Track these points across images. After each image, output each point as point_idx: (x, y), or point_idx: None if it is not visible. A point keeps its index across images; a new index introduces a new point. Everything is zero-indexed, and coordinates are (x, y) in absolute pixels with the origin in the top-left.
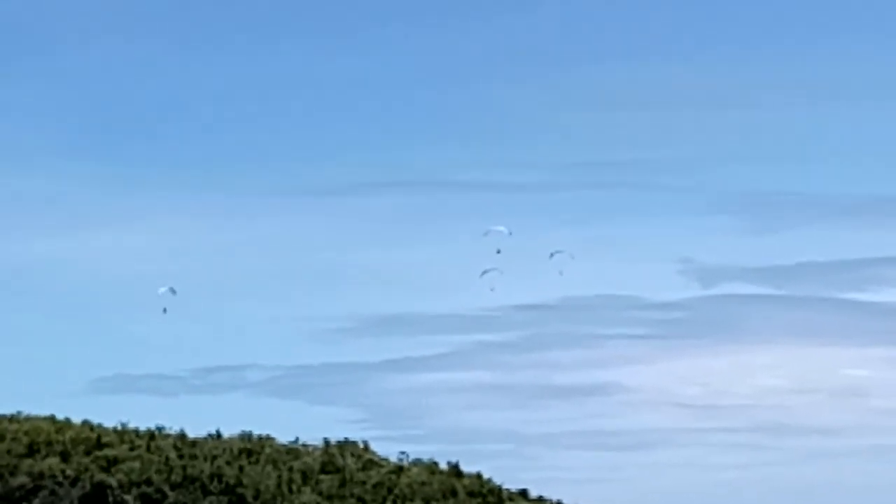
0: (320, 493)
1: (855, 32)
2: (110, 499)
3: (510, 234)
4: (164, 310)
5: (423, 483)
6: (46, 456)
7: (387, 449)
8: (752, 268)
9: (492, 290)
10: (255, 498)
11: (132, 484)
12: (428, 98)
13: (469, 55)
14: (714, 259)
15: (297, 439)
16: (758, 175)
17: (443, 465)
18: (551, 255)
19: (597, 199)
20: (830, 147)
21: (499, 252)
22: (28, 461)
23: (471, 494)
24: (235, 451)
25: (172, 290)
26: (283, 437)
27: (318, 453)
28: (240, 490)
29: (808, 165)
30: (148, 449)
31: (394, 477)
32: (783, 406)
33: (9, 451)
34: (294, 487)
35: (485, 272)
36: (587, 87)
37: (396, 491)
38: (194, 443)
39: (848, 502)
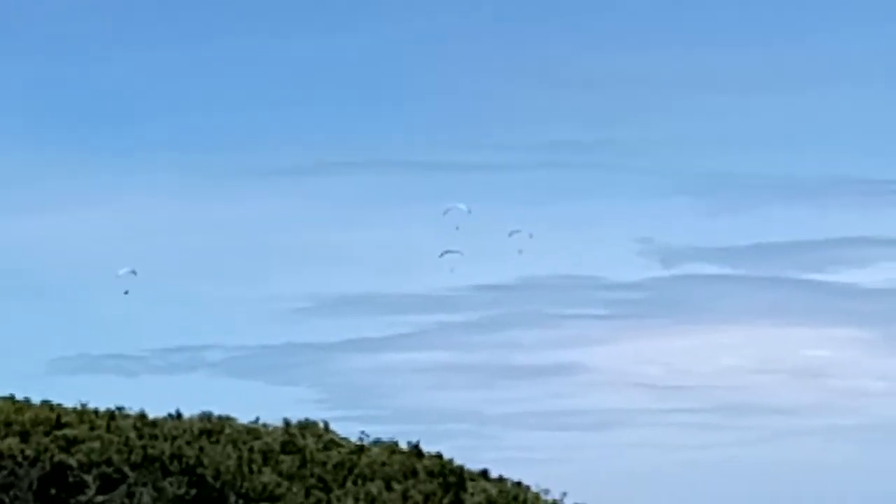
0: (280, 473)
1: (816, 16)
2: (70, 479)
3: (469, 211)
4: (126, 292)
5: (383, 463)
6: (6, 436)
7: (347, 429)
8: (713, 248)
9: (451, 271)
10: (216, 478)
11: (92, 464)
12: (388, 78)
13: (430, 35)
14: (674, 239)
15: (257, 419)
16: (717, 156)
17: (403, 446)
18: (510, 234)
19: (556, 179)
20: (789, 129)
21: (457, 229)
22: None
23: (431, 474)
24: (195, 432)
25: (133, 272)
26: (243, 418)
27: (278, 433)
28: (200, 470)
29: (767, 147)
30: (108, 429)
31: (354, 457)
32: (744, 386)
33: None
34: (254, 467)
35: (444, 253)
36: (547, 67)
37: (357, 471)
38: (154, 423)
39: (808, 482)
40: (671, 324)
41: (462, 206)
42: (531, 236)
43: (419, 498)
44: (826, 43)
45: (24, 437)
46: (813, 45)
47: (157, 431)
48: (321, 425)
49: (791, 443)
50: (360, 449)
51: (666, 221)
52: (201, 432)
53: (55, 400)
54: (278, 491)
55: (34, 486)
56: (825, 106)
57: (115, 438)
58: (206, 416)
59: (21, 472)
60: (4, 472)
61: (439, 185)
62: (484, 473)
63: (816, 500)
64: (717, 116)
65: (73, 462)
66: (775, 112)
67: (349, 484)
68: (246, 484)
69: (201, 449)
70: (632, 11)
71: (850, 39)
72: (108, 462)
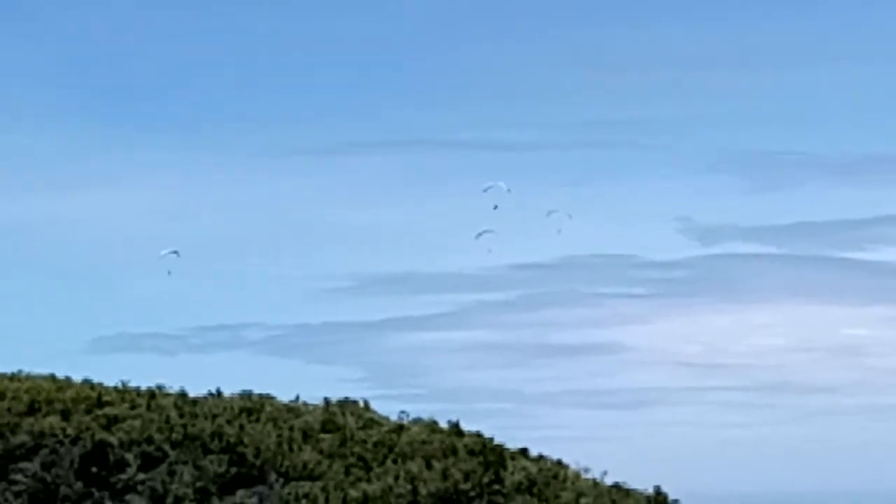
0: (321, 452)
1: None
2: (111, 457)
3: (509, 190)
4: (169, 272)
5: (423, 442)
6: (47, 414)
7: (387, 408)
8: (751, 227)
9: (489, 251)
10: (256, 456)
11: (133, 442)
12: (428, 57)
13: (464, 14)
14: (713, 218)
15: (297, 398)
16: (757, 134)
17: (443, 424)
18: (548, 214)
19: (595, 158)
20: (829, 107)
21: (496, 208)
22: (29, 420)
23: (471, 453)
24: (236, 410)
25: (176, 253)
26: (283, 396)
27: (318, 412)
28: (240, 449)
29: (807, 125)
30: (148, 408)
31: (394, 436)
32: (782, 364)
33: (9, 410)
34: (294, 446)
35: (480, 234)
36: (585, 46)
37: (397, 450)
38: (195, 401)
39: (845, 460)
40: (710, 302)
41: (502, 185)
42: (570, 216)
43: (459, 476)
44: (869, 16)
45: (66, 415)
46: (855, 19)
47: (197, 410)
48: (361, 404)
49: (829, 421)
50: (400, 427)
51: (705, 200)
52: (241, 411)
53: (96, 378)
54: (318, 469)
55: (75, 465)
56: (863, 83)
57: (156, 417)
58: (246, 395)
59: (62, 450)
60: (46, 451)
61: (478, 165)
62: (524, 452)
63: (854, 478)
64: (754, 94)
65: (114, 440)
66: (813, 90)
67: (389, 462)
68: (286, 462)
69: (241, 427)
70: None
71: (891, 14)
72: (149, 440)
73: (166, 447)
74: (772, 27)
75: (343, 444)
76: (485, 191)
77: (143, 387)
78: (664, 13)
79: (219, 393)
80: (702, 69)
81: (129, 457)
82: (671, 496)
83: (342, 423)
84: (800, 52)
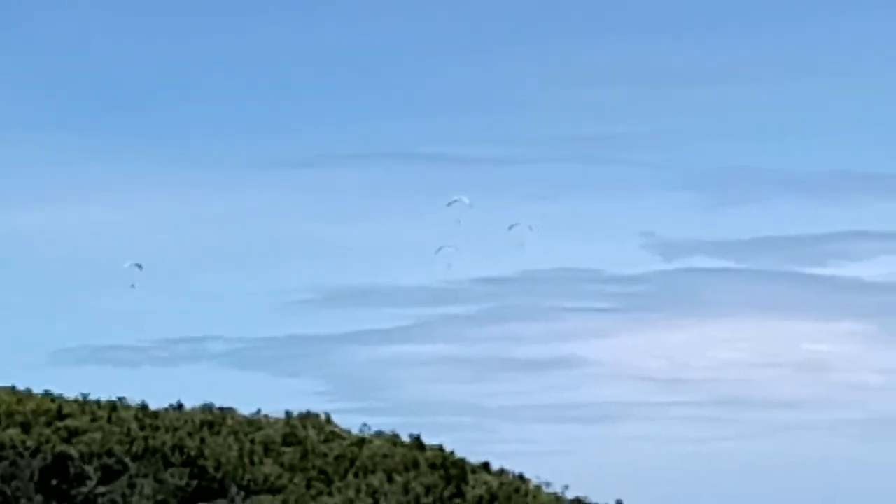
0: (282, 465)
1: (819, 9)
2: (71, 470)
3: (471, 205)
4: (133, 285)
5: (384, 455)
6: (7, 427)
7: (349, 421)
8: (714, 242)
9: (449, 267)
10: (217, 469)
11: (93, 455)
12: (394, 71)
13: (437, 28)
14: (676, 233)
15: (259, 411)
16: (719, 150)
17: (405, 438)
18: (510, 227)
19: (558, 173)
20: (792, 122)
21: (459, 222)
22: None
23: (432, 467)
24: (197, 423)
25: (139, 266)
26: (245, 409)
27: (279, 425)
28: (201, 462)
29: (770, 141)
30: (109, 420)
31: (356, 449)
32: (745, 380)
33: None
34: (256, 459)
35: (440, 249)
36: (551, 60)
37: (358, 463)
38: (156, 414)
39: (809, 475)
40: (672, 317)
41: (465, 199)
42: (531, 228)
43: (420, 490)
44: (828, 33)
45: (26, 427)
46: (814, 36)
47: (158, 423)
48: (323, 417)
49: (792, 436)
50: (362, 441)
51: (667, 215)
52: (203, 424)
53: (57, 391)
54: (279, 482)
55: (35, 477)
56: (827, 99)
57: (117, 429)
58: (207, 408)
59: (22, 462)
60: (6, 463)
61: (441, 178)
62: (485, 466)
63: (817, 494)
64: (718, 110)
65: (74, 453)
66: (777, 105)
67: (350, 476)
68: (247, 475)
69: (202, 440)
70: (633, 7)
71: (855, 30)
72: (110, 453)
73: (127, 460)
74: (738, 44)
75: (304, 457)
76: (448, 205)
77: (105, 399)
78: (630, 28)
79: (180, 406)
80: (665, 85)
81: (90, 469)
82: None
83: (303, 437)
84: (764, 68)
